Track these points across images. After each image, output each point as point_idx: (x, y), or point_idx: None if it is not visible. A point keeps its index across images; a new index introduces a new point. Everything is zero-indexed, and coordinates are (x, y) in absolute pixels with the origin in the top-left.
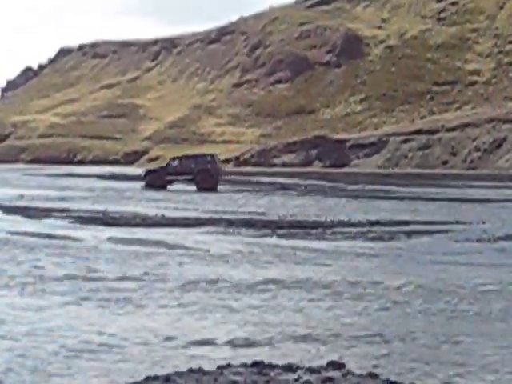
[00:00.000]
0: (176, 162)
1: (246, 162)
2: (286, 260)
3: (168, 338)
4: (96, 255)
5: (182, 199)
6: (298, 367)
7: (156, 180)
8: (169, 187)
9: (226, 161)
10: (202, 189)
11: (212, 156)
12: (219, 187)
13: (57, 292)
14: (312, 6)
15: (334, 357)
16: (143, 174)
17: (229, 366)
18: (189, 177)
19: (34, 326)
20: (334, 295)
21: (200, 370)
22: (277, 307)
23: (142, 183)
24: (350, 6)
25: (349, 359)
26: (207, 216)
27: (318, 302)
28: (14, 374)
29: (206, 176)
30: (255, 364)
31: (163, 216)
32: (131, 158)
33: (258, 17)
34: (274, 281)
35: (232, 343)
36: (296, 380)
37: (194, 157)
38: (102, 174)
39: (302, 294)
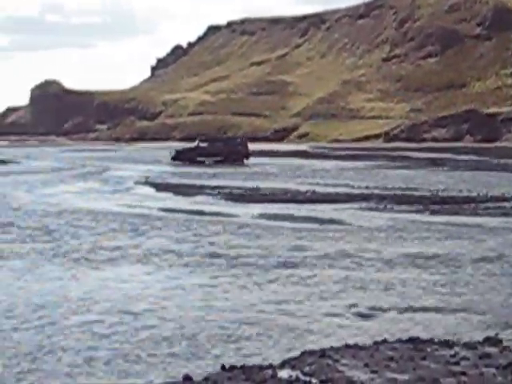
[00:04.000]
0: (206, 144)
1: (395, 138)
2: (439, 236)
3: (331, 311)
4: (248, 231)
5: (333, 175)
6: (454, 343)
7: (186, 158)
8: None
9: (376, 136)
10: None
11: (242, 139)
12: None
13: (216, 269)
14: None
15: (491, 333)
16: (174, 154)
17: (385, 341)
18: (218, 158)
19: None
20: (489, 272)
21: (356, 345)
22: (433, 281)
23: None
24: None
25: (505, 336)
26: (358, 192)
27: (473, 278)
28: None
29: (236, 158)
30: (411, 339)
31: (314, 192)
32: (280, 135)
33: None
34: (426, 256)
35: (386, 318)
36: (453, 356)
37: (225, 140)
38: (251, 150)
39: (456, 270)
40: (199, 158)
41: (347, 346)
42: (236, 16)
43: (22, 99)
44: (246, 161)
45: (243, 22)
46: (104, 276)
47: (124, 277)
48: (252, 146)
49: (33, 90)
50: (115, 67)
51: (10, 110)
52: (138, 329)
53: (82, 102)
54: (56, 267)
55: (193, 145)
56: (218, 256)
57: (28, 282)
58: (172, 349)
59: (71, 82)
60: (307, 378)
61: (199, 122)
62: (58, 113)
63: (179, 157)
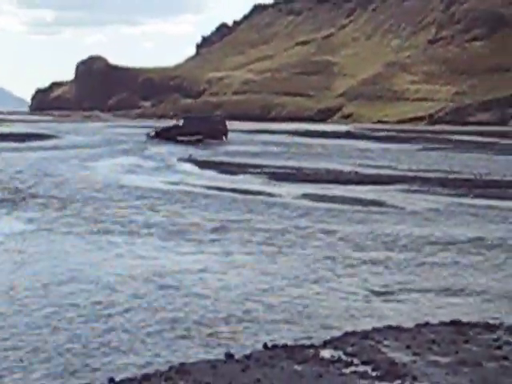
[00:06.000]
0: (186, 122)
1: (440, 120)
2: (482, 219)
3: (372, 292)
4: (291, 211)
5: (377, 156)
6: (496, 327)
7: (167, 137)
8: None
9: (420, 119)
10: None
11: (220, 116)
12: None
13: (255, 246)
14: None
15: None
16: (153, 134)
17: (427, 324)
18: (199, 137)
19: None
20: None
21: (398, 327)
22: (476, 264)
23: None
24: None
25: None
26: (401, 174)
27: (503, 268)
28: None
29: (214, 135)
30: (453, 322)
31: (357, 173)
32: (324, 115)
33: None
34: (469, 239)
35: (428, 300)
36: (495, 340)
37: (204, 118)
38: (295, 130)
39: (500, 254)
40: (179, 137)
41: (389, 328)
42: None
43: (68, 75)
44: (224, 139)
45: (289, 1)
46: (158, 247)
47: (178, 251)
48: (296, 126)
49: (78, 66)
50: (161, 45)
51: (55, 85)
52: (179, 305)
53: (126, 78)
54: (111, 239)
55: (171, 123)
56: (259, 235)
57: (71, 253)
58: (213, 327)
59: (117, 59)
60: (349, 359)
61: (243, 100)
62: (103, 89)
63: (160, 135)
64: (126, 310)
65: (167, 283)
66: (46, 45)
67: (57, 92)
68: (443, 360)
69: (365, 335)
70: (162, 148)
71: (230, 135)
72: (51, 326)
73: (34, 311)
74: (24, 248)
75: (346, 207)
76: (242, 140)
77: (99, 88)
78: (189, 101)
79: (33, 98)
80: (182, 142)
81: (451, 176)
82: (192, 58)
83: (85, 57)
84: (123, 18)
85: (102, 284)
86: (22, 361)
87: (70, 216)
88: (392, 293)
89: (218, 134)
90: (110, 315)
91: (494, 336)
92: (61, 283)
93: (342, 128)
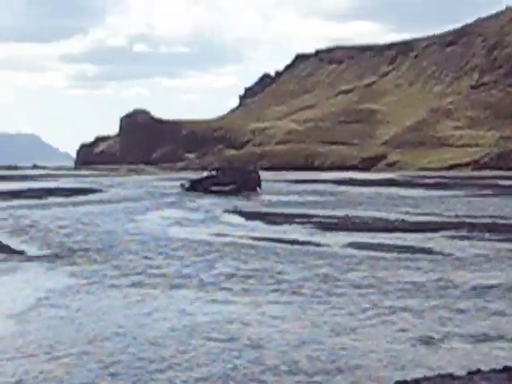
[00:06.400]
0: (220, 173)
1: (485, 166)
2: None
3: (421, 339)
4: (338, 260)
5: (422, 203)
6: None
7: (201, 187)
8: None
9: (465, 164)
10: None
11: (254, 166)
12: None
13: (303, 297)
14: None
15: None
16: (188, 184)
17: (479, 371)
18: (232, 187)
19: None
20: None
21: (450, 375)
22: None
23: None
24: None
25: None
26: (448, 220)
27: None
28: None
29: (248, 185)
30: (506, 369)
31: (403, 220)
32: (368, 164)
33: (495, 17)
34: None
35: (478, 347)
36: None
37: (237, 168)
38: (339, 179)
39: None
40: (214, 188)
41: (441, 376)
42: (325, 44)
43: (111, 128)
44: (258, 189)
45: (331, 50)
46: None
47: (220, 304)
48: (341, 175)
49: (122, 120)
50: (203, 96)
51: (100, 140)
52: (225, 358)
53: (170, 131)
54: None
55: (204, 174)
56: (307, 286)
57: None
58: (265, 376)
59: (159, 111)
60: None
61: (287, 150)
62: (147, 142)
63: (194, 187)
64: (171, 366)
65: (209, 336)
66: (89, 99)
67: (101, 146)
68: None
69: None
70: (206, 200)
71: (276, 185)
72: None
73: (77, 368)
74: (68, 303)
75: (393, 255)
76: (287, 190)
77: (143, 141)
78: (233, 152)
79: (78, 153)
80: (216, 192)
81: (499, 221)
82: (235, 109)
83: (126, 110)
84: (164, 71)
85: (146, 339)
86: None
87: (115, 270)
88: (440, 340)
89: (251, 184)
90: (156, 371)
91: None
92: (104, 339)
93: (387, 176)
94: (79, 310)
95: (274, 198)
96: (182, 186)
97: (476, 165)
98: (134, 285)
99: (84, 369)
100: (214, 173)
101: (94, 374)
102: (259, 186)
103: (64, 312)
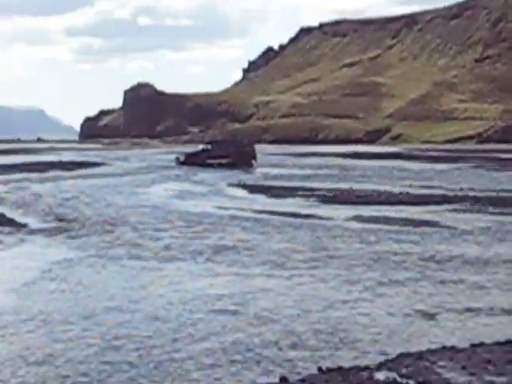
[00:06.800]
0: (215, 146)
1: (489, 139)
2: None
3: (425, 312)
4: (342, 234)
5: (427, 176)
6: None
7: (197, 162)
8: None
9: (469, 138)
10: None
11: (248, 140)
12: None
13: (305, 269)
14: None
15: None
16: (183, 158)
17: (482, 343)
18: (228, 160)
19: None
20: None
21: (453, 348)
22: None
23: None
24: None
25: None
26: (452, 194)
27: None
28: None
29: (243, 159)
30: (509, 342)
31: (408, 193)
32: (373, 137)
33: None
34: None
35: (482, 320)
36: None
37: (232, 142)
38: (344, 152)
39: None
40: (209, 161)
41: (444, 348)
42: (329, 17)
43: (115, 102)
44: (253, 162)
45: (335, 23)
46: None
47: (225, 275)
48: (345, 148)
49: (126, 93)
50: (208, 69)
51: (103, 113)
52: (231, 328)
53: (174, 104)
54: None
55: (199, 148)
56: (311, 256)
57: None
58: (267, 349)
59: (164, 85)
60: (404, 380)
61: (291, 124)
62: (151, 115)
63: (189, 160)
64: (177, 339)
65: (215, 308)
66: (93, 73)
67: (105, 120)
68: (499, 380)
69: (419, 356)
70: (210, 173)
71: (280, 158)
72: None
73: (79, 341)
74: (69, 276)
75: (397, 228)
76: (291, 163)
77: (147, 115)
78: (237, 125)
79: (82, 127)
80: (211, 165)
81: (502, 195)
82: (239, 83)
83: (131, 84)
84: (169, 44)
85: (145, 312)
86: None
87: (116, 242)
88: (444, 313)
89: (246, 157)
90: (160, 346)
91: None
92: (103, 313)
93: (391, 149)
94: (79, 283)
95: (278, 172)
96: (177, 159)
97: (480, 138)
98: (134, 257)
99: (85, 343)
100: (209, 146)
101: (96, 348)
102: (254, 159)
103: (65, 285)
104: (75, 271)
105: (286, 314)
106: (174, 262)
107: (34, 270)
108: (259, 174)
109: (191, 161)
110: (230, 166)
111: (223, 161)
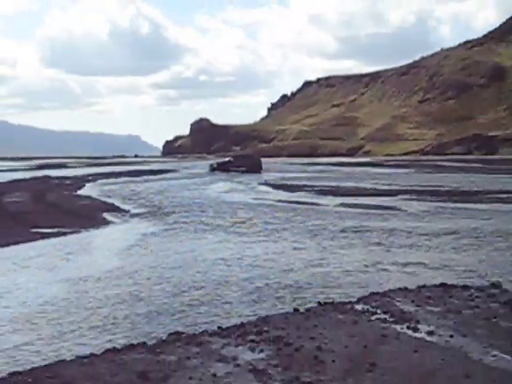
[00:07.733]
0: (235, 159)
1: (428, 152)
2: (459, 216)
3: (388, 265)
4: (332, 215)
5: (388, 177)
6: (470, 287)
7: (223, 169)
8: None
9: (415, 152)
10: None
11: (257, 155)
12: None
13: (306, 237)
14: (471, 47)
15: (494, 280)
16: (215, 166)
17: (424, 286)
18: (244, 168)
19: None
20: (494, 240)
21: (406, 289)
22: (457, 246)
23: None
24: (496, 47)
25: (504, 282)
26: (404, 188)
27: (488, 244)
28: None
29: (254, 168)
30: (442, 285)
31: (375, 188)
32: (352, 152)
33: (434, 56)
34: (452, 230)
35: (425, 270)
36: (469, 295)
37: (246, 156)
38: (333, 162)
39: (475, 240)
40: (231, 168)
41: (400, 289)
42: (323, 74)
43: (185, 131)
44: (261, 171)
45: (327, 78)
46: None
47: (264, 244)
48: (334, 160)
49: (192, 125)
50: (244, 110)
51: (178, 138)
52: (254, 277)
53: (223, 132)
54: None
55: (226, 159)
56: (308, 230)
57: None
58: (282, 291)
59: (216, 119)
60: (374, 310)
61: (298, 144)
62: (208, 139)
63: (219, 168)
64: (220, 283)
65: (244, 263)
66: (170, 112)
67: (179, 142)
68: (436, 309)
69: (383, 294)
70: (244, 177)
71: (292, 167)
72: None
73: (155, 288)
74: (153, 243)
75: (370, 211)
76: (299, 169)
77: (206, 139)
78: (264, 145)
79: (163, 147)
80: (233, 171)
81: (437, 189)
82: (265, 118)
83: (195, 119)
84: (219, 93)
85: (203, 268)
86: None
87: (187, 220)
88: (399, 265)
89: (256, 167)
90: (206, 288)
91: (469, 293)
92: (175, 268)
93: (364, 160)
94: (162, 248)
95: (290, 175)
96: (211, 165)
97: (422, 152)
98: (199, 230)
99: (161, 289)
100: (231, 159)
101: (169, 293)
102: (261, 168)
103: (152, 247)
104: (158, 240)
105: (295, 268)
106: (226, 233)
107: (131, 239)
108: (273, 176)
109: (219, 168)
110: (245, 172)
111: (241, 169)
